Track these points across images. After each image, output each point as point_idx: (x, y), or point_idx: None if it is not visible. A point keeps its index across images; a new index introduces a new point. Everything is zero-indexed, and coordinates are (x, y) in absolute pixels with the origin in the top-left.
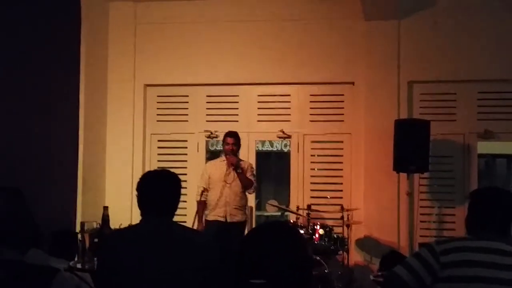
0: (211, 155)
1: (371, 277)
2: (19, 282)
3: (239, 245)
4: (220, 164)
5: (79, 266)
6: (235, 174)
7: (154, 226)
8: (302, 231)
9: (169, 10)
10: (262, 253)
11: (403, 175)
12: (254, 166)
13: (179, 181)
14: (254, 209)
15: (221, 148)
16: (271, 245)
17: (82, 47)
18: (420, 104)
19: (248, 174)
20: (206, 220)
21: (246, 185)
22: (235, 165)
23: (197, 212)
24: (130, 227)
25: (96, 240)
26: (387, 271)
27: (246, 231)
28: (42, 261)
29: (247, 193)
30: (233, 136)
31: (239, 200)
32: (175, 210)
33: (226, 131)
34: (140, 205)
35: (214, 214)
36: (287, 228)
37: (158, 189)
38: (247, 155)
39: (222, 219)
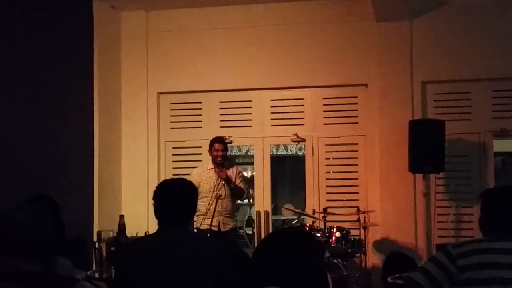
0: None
1: (389, 279)
2: None
3: (254, 251)
4: (208, 173)
5: (96, 275)
6: (226, 187)
7: (171, 235)
8: (318, 234)
9: (180, 17)
10: (277, 260)
11: (419, 176)
12: (261, 168)
13: (195, 189)
14: (270, 214)
15: (236, 154)
16: (286, 252)
17: (95, 57)
18: (434, 104)
19: (238, 182)
20: (197, 229)
21: (238, 196)
22: (226, 180)
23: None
24: (147, 236)
25: (113, 249)
26: (404, 275)
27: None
28: (68, 270)
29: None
30: (221, 142)
31: (230, 208)
32: (192, 218)
33: (241, 136)
34: (157, 214)
35: (206, 224)
36: (302, 234)
37: (174, 198)
38: (262, 160)
39: (215, 229)
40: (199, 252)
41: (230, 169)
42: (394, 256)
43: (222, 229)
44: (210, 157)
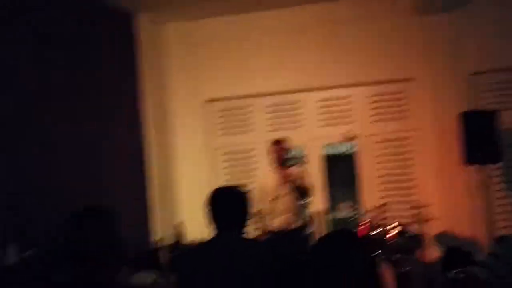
0: None
1: (450, 274)
2: None
3: (305, 256)
4: (271, 174)
5: (160, 281)
6: (288, 187)
7: (225, 242)
8: (377, 231)
9: (223, 25)
10: (325, 265)
11: (475, 167)
12: (314, 169)
13: (247, 195)
14: (326, 213)
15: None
16: (334, 258)
17: (141, 70)
18: (485, 94)
19: (301, 180)
20: (266, 230)
21: (302, 195)
22: (288, 179)
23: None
24: (203, 243)
25: (172, 255)
26: (466, 270)
27: (306, 235)
28: (130, 279)
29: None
30: (279, 144)
31: (295, 207)
32: (245, 225)
33: (280, 138)
34: (210, 221)
35: (273, 224)
36: (347, 236)
37: (227, 205)
38: (314, 160)
39: (282, 228)
40: (251, 258)
41: (293, 169)
42: (451, 251)
43: (288, 227)
44: (273, 158)
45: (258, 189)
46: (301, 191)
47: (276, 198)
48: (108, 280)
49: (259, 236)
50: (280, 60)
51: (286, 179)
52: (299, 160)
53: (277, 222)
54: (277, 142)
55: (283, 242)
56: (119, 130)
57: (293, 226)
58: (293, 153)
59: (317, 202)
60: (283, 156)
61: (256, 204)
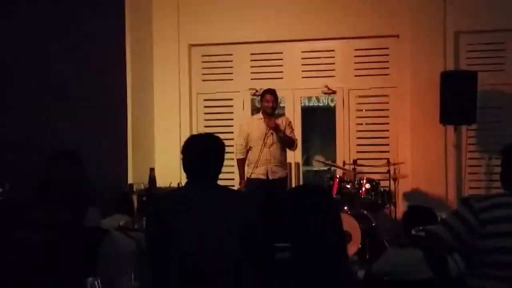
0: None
1: (413, 232)
2: (71, 244)
3: (274, 208)
4: (258, 123)
5: (130, 225)
6: (275, 136)
7: (198, 189)
8: (348, 186)
9: None
10: (289, 217)
11: (450, 128)
12: (292, 120)
13: (222, 144)
14: (301, 165)
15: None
16: (299, 209)
17: (126, 10)
18: (468, 55)
19: (288, 132)
20: (247, 178)
21: (288, 145)
22: (275, 129)
23: (239, 170)
24: (176, 189)
25: (143, 200)
26: (427, 228)
27: (287, 187)
28: (97, 220)
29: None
30: (272, 93)
31: (280, 157)
32: (219, 173)
33: (271, 88)
34: (185, 168)
35: (255, 172)
36: (315, 191)
37: (201, 153)
38: (293, 112)
39: (264, 177)
40: (224, 205)
41: (280, 119)
42: (414, 208)
43: (270, 177)
44: (261, 108)
45: (239, 137)
46: (287, 142)
47: (261, 146)
48: (74, 220)
49: (240, 184)
50: (266, 8)
51: (274, 129)
52: (283, 110)
53: (260, 171)
54: (269, 91)
55: (265, 191)
56: (102, 71)
57: (276, 176)
58: (280, 103)
59: (293, 154)
60: (273, 105)
61: (237, 152)
